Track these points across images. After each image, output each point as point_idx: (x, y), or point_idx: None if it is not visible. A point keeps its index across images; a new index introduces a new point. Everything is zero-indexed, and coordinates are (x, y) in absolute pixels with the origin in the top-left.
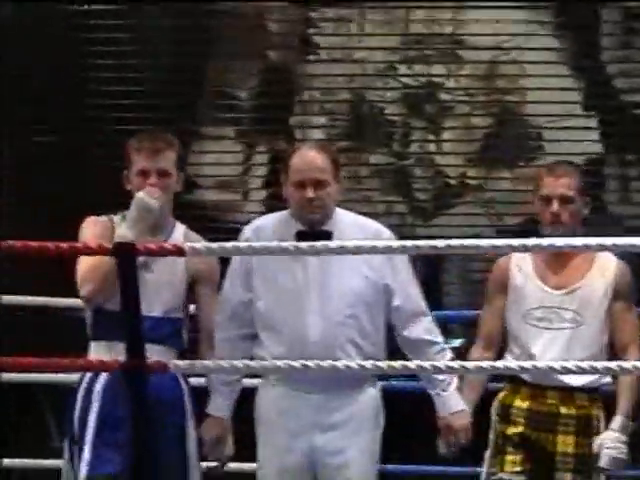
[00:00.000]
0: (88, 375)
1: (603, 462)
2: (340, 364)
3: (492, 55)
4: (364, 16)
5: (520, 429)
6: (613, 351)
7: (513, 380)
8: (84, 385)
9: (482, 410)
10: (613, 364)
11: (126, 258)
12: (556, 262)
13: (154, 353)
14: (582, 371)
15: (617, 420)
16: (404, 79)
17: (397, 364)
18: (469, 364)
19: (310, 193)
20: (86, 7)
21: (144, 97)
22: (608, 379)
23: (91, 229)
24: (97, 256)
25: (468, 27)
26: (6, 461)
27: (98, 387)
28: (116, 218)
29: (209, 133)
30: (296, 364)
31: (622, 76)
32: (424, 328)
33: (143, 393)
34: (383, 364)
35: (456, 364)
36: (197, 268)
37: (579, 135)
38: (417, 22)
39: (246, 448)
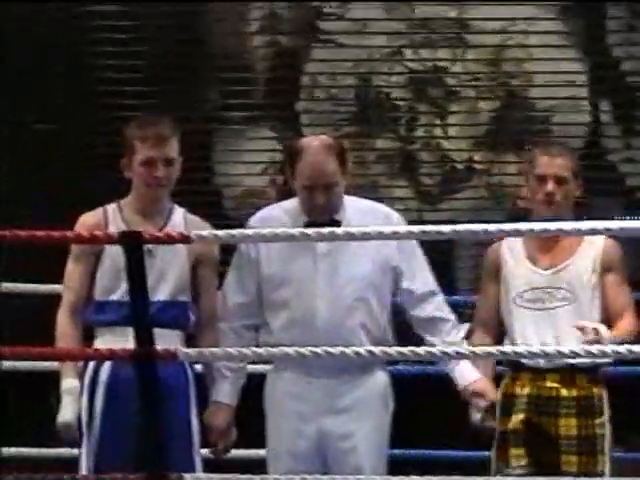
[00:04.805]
0: (92, 362)
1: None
2: (349, 351)
3: (498, 39)
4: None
5: (522, 416)
6: (609, 325)
7: (513, 365)
8: (89, 373)
9: None
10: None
11: (132, 247)
12: (546, 242)
13: (161, 337)
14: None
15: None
16: (410, 64)
17: (406, 350)
18: (477, 349)
19: (321, 199)
20: None
21: (150, 84)
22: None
23: (72, 263)
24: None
25: (474, 11)
26: (10, 450)
27: (103, 376)
28: (110, 208)
29: (218, 119)
30: (305, 351)
31: (628, 59)
32: (434, 307)
33: (152, 381)
34: (392, 350)
35: (464, 349)
36: (198, 251)
37: (586, 118)
38: (423, 6)
39: (254, 435)
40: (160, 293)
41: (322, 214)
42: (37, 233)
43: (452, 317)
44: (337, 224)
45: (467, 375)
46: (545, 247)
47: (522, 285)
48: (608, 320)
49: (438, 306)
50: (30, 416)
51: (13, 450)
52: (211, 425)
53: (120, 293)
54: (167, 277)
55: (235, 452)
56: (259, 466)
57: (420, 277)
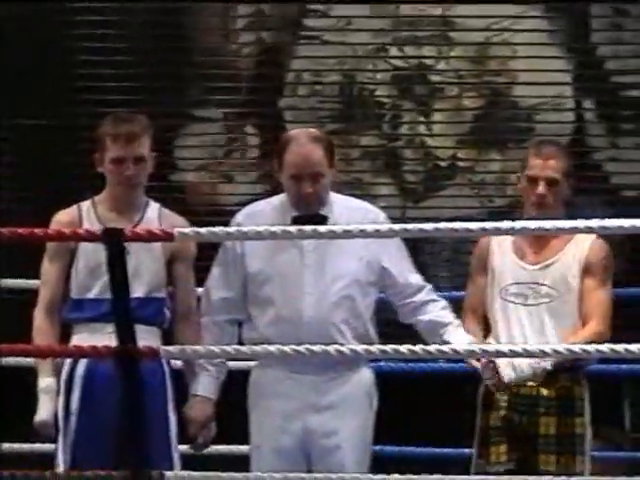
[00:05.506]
0: (69, 358)
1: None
2: (332, 349)
3: (482, 37)
4: None
5: (502, 413)
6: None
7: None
8: (66, 369)
9: (470, 395)
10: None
11: (114, 244)
12: (535, 239)
13: (138, 332)
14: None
15: None
16: (394, 61)
17: (389, 348)
18: (459, 347)
19: (308, 188)
20: None
21: (130, 79)
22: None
23: (48, 261)
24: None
25: (458, 9)
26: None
27: (80, 371)
28: (85, 206)
29: (197, 115)
30: (288, 349)
31: (613, 58)
32: (426, 293)
33: (134, 379)
34: (374, 348)
35: (447, 348)
36: (174, 247)
37: (569, 117)
38: (407, 3)
39: (236, 431)
40: (136, 290)
41: (309, 205)
42: (19, 230)
43: (444, 301)
44: (324, 219)
45: (464, 338)
46: (534, 243)
47: (508, 279)
48: (583, 322)
49: (429, 293)
50: (21, 411)
51: (7, 446)
52: (190, 418)
53: (97, 291)
54: (142, 274)
55: (215, 447)
56: (240, 462)
57: (411, 274)
